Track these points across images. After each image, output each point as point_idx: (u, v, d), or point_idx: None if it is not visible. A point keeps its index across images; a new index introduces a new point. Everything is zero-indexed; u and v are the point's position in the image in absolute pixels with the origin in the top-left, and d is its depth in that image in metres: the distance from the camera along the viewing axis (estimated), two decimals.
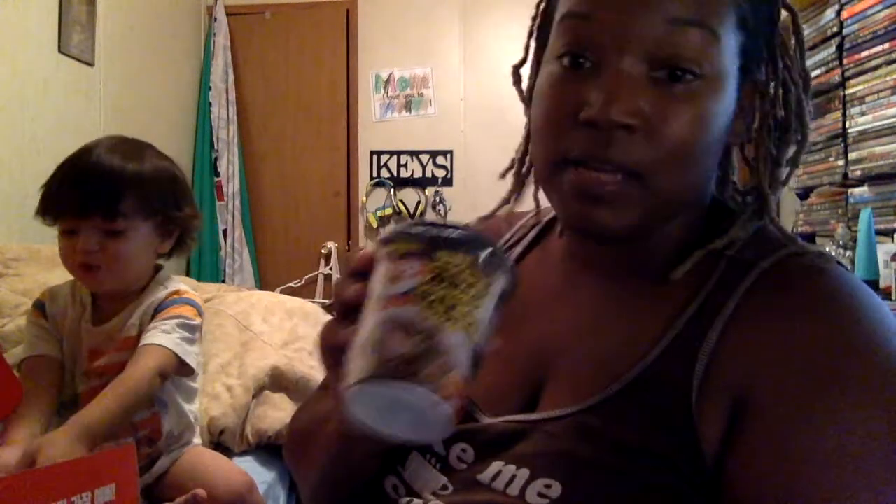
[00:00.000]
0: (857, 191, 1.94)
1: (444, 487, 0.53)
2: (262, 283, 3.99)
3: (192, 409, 1.35)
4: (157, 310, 1.23)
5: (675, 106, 0.49)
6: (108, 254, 1.15)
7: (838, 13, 1.97)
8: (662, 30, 0.48)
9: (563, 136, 0.51)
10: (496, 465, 0.51)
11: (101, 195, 1.13)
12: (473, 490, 0.51)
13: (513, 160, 0.66)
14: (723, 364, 0.48)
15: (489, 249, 0.43)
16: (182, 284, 1.32)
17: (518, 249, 0.66)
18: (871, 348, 0.47)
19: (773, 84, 0.56)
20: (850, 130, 1.94)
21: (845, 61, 1.95)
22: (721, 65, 0.50)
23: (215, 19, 4.01)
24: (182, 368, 1.23)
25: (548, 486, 0.48)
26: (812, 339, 0.47)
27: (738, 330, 0.49)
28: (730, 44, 0.50)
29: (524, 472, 0.49)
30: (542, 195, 0.62)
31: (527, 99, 0.61)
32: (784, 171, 0.57)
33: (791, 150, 0.57)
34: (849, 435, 0.44)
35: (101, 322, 1.25)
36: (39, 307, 1.27)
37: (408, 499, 0.54)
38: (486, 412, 0.55)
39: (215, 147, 3.95)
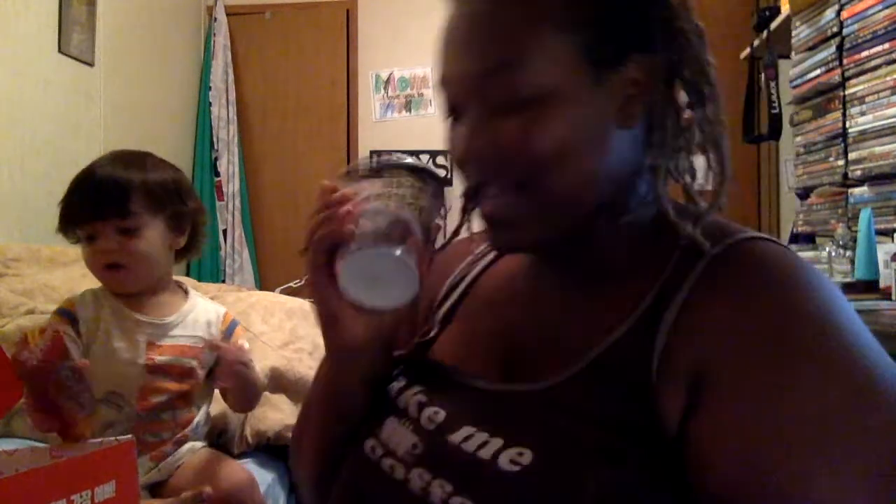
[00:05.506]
0: (857, 191, 1.94)
1: (415, 446, 0.56)
2: (262, 283, 3.99)
3: (209, 407, 1.45)
4: (229, 331, 1.39)
5: (524, 127, 0.54)
6: (127, 251, 1.27)
7: (838, 13, 1.97)
8: (483, 79, 0.55)
9: (461, 175, 0.60)
10: (468, 430, 0.54)
11: (112, 197, 1.25)
12: (442, 450, 0.54)
13: None
14: (680, 344, 0.51)
15: (419, 166, 0.60)
16: (200, 294, 1.44)
17: (489, 258, 0.72)
18: (819, 320, 0.49)
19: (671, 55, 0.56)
20: (850, 130, 1.94)
21: (845, 61, 1.94)
22: (552, 78, 0.53)
23: (215, 19, 4.01)
24: None
25: (520, 454, 0.50)
26: (761, 315, 0.49)
27: (693, 312, 0.51)
28: (555, 54, 0.53)
29: (497, 441, 0.52)
30: None
31: None
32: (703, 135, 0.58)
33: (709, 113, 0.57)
34: (802, 404, 0.46)
35: (144, 313, 1.32)
36: (66, 314, 1.30)
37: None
38: (463, 378, 0.60)
39: (215, 147, 3.95)
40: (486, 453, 0.51)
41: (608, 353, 0.53)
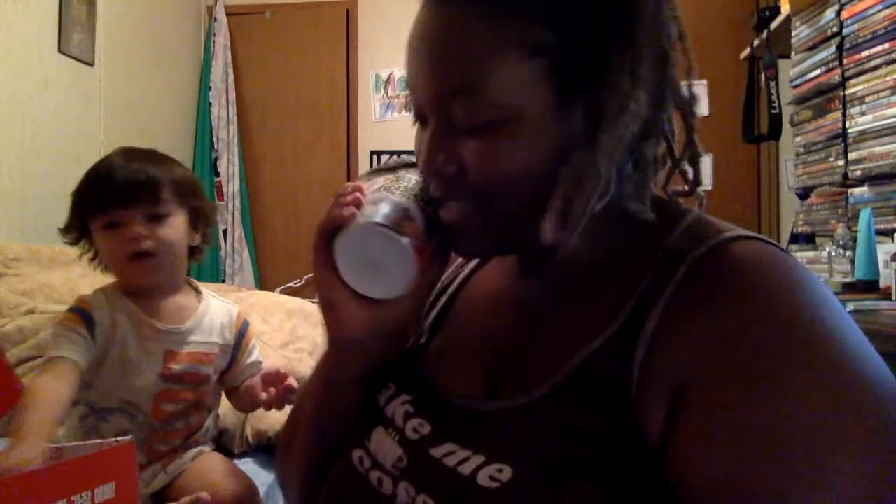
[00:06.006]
0: (857, 191, 1.94)
1: (400, 459, 0.56)
2: (262, 283, 3.99)
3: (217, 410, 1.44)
4: (241, 333, 1.36)
5: (484, 150, 0.54)
6: (156, 238, 1.21)
7: (838, 13, 1.97)
8: (444, 99, 0.54)
9: (426, 178, 0.61)
10: (450, 446, 0.54)
11: (144, 183, 1.21)
12: (425, 464, 0.54)
13: None
14: (660, 353, 0.49)
15: (414, 168, 0.62)
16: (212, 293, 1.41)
17: (471, 264, 0.72)
18: (807, 326, 0.47)
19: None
20: (850, 130, 1.94)
21: (845, 61, 1.95)
22: (515, 102, 0.52)
23: (215, 19, 4.01)
24: None
25: (499, 470, 0.50)
26: (745, 321, 0.47)
27: (673, 320, 0.50)
28: (519, 78, 0.52)
29: (479, 458, 0.51)
30: None
31: None
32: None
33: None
34: (788, 415, 0.44)
35: (161, 320, 1.28)
36: (83, 314, 1.23)
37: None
38: (449, 396, 0.59)
39: (215, 147, 3.95)
40: (466, 469, 0.51)
41: (588, 363, 0.52)
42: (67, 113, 2.80)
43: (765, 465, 0.44)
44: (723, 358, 0.47)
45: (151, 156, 1.28)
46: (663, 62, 0.54)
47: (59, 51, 2.72)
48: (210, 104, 3.94)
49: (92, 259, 1.30)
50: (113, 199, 1.20)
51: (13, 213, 2.50)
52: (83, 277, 2.09)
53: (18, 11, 2.51)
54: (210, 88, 3.94)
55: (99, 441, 0.52)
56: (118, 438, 0.54)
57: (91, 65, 2.94)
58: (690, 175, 0.61)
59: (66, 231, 1.27)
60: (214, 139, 3.94)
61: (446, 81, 0.54)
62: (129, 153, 1.27)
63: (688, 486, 0.46)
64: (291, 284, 3.95)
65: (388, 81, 4.07)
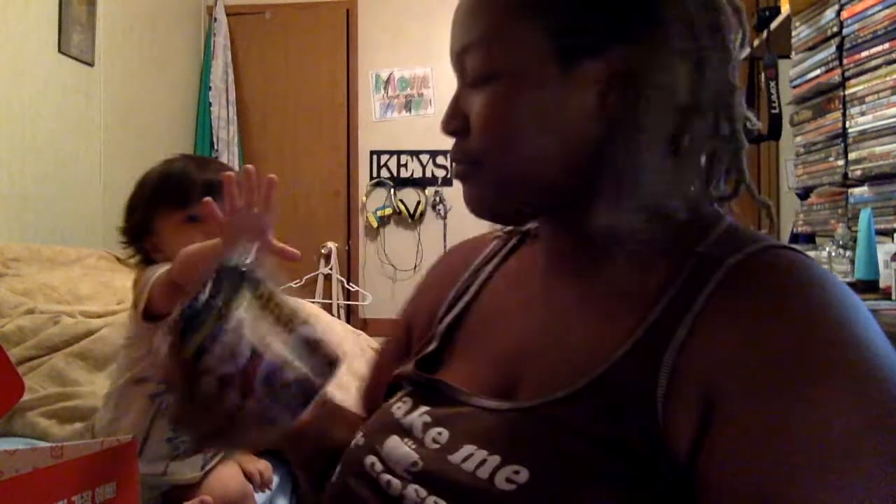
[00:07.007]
0: (857, 191, 1.94)
1: (415, 464, 0.56)
2: None
3: None
4: None
5: (486, 105, 0.57)
6: None
7: (838, 13, 1.97)
8: (462, 55, 0.59)
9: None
10: (468, 448, 0.54)
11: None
12: (442, 469, 0.54)
13: None
14: (691, 361, 0.48)
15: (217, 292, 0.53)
16: None
17: (495, 261, 0.71)
18: (842, 339, 0.47)
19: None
20: (850, 130, 1.94)
21: (845, 61, 1.94)
22: (516, 60, 0.55)
23: (215, 19, 4.01)
24: None
25: (516, 472, 0.50)
26: (781, 332, 0.47)
27: (707, 327, 0.49)
28: (523, 37, 0.55)
29: (495, 459, 0.51)
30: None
31: None
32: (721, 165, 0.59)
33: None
34: (825, 427, 0.44)
35: None
36: None
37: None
38: (467, 396, 0.59)
39: (215, 147, 3.95)
40: (483, 472, 0.51)
41: (614, 369, 0.51)
42: (67, 113, 2.79)
43: (795, 473, 0.43)
44: (758, 367, 0.47)
45: (209, 159, 1.37)
46: (695, 40, 0.55)
47: (59, 51, 2.72)
48: (210, 104, 3.94)
49: (144, 259, 1.31)
50: (198, 195, 1.23)
51: (13, 213, 2.50)
52: (83, 277, 2.09)
53: (18, 11, 2.51)
54: (210, 88, 3.94)
55: (99, 441, 0.52)
56: (119, 438, 0.54)
57: (91, 65, 2.93)
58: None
59: (128, 229, 1.31)
60: (214, 139, 3.94)
61: (467, 36, 0.59)
62: (190, 157, 1.35)
63: (718, 493, 0.45)
64: (291, 284, 3.95)
65: (388, 81, 4.07)
